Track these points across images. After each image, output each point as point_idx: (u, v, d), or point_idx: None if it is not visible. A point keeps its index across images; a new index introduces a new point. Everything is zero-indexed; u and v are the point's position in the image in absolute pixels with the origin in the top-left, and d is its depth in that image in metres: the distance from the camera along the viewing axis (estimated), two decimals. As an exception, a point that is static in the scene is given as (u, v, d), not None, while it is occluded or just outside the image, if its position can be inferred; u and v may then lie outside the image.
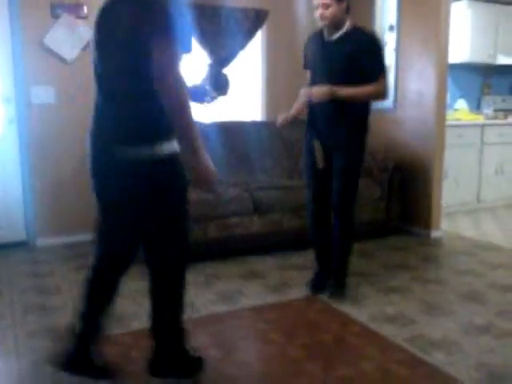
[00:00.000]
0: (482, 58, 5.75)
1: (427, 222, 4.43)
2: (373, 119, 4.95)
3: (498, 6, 5.76)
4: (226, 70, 4.58)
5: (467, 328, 2.72)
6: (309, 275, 3.53)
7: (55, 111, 4.15)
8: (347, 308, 2.99)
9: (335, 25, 2.92)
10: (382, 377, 2.26)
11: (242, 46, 4.69)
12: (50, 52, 4.07)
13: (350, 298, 3.14)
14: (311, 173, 3.17)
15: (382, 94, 3.02)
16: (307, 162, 3.18)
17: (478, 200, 5.55)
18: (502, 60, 5.91)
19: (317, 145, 3.09)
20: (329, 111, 3.00)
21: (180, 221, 2.05)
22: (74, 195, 4.26)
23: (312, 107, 3.08)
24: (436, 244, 4.26)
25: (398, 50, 4.63)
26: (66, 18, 4.06)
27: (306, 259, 3.89)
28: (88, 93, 4.09)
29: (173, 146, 1.92)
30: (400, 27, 4.60)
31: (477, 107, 6.15)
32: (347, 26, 2.94)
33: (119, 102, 1.88)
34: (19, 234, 4.23)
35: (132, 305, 2.98)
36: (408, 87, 4.54)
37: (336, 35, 2.95)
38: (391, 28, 4.78)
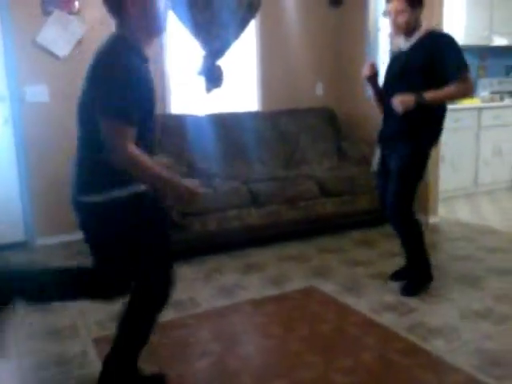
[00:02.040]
0: (477, 39, 5.70)
1: (424, 209, 4.42)
2: (366, 106, 5.00)
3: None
4: (220, 62, 4.55)
5: (466, 314, 2.74)
6: (307, 266, 3.56)
7: (50, 109, 4.13)
8: (346, 298, 3.01)
9: (407, 32, 2.86)
10: (382, 366, 2.28)
11: (236, 36, 4.65)
12: (42, 49, 4.04)
13: (349, 287, 3.16)
14: (377, 175, 3.20)
15: (468, 91, 2.88)
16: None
17: (476, 184, 5.55)
18: (498, 41, 5.87)
19: (376, 147, 3.11)
20: (392, 111, 2.88)
21: (145, 256, 2.03)
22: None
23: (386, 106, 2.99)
24: (434, 230, 4.27)
25: (392, 35, 4.60)
26: (57, 15, 4.03)
27: (305, 250, 3.91)
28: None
29: (126, 191, 1.94)
30: (393, 13, 4.57)
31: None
32: (421, 31, 2.86)
33: (80, 151, 2.02)
34: (18, 234, 4.23)
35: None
36: (403, 73, 4.51)
37: (409, 43, 2.87)
38: (385, 14, 4.74)
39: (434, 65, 2.78)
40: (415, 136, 2.91)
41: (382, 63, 4.80)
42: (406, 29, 2.85)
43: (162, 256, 2.06)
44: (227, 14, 4.52)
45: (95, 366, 2.32)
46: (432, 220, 4.44)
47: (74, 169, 2.02)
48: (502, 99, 5.85)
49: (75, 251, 4.05)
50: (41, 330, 2.74)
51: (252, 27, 4.84)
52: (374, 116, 4.91)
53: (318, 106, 5.12)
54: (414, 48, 2.87)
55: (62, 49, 4.09)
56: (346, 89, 5.28)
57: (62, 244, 4.21)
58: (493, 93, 6.03)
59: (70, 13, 4.08)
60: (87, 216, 2.02)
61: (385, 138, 3.07)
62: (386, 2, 2.93)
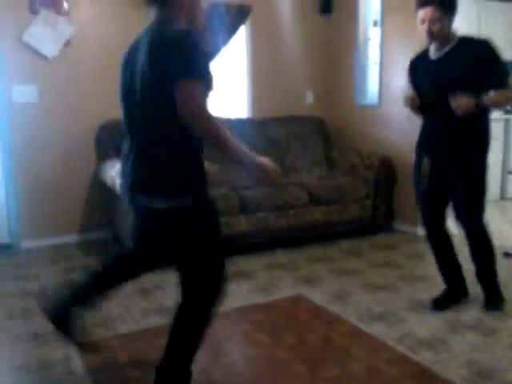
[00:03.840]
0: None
1: (414, 219, 4.41)
2: (357, 116, 5.00)
3: (480, 2, 5.76)
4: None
5: (455, 326, 2.72)
6: (296, 275, 3.52)
7: (39, 110, 4.07)
8: (335, 307, 2.97)
9: (443, 40, 2.69)
10: (370, 377, 2.25)
11: (225, 41, 4.65)
12: (30, 49, 3.99)
13: (338, 297, 3.13)
14: (419, 193, 3.01)
15: None
16: (416, 181, 3.00)
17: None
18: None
19: (425, 164, 2.89)
20: (447, 124, 2.75)
21: (199, 260, 1.98)
22: (58, 196, 4.20)
23: (427, 121, 2.89)
24: (423, 241, 4.20)
25: (382, 45, 4.61)
26: (45, 14, 3.98)
27: (294, 258, 3.88)
28: (71, 90, 4.08)
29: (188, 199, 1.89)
30: (384, 22, 4.59)
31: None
32: (455, 37, 2.70)
33: (143, 148, 1.88)
34: (2, 237, 4.13)
35: (119, 308, 2.93)
36: (392, 82, 4.53)
37: (444, 50, 2.72)
38: (375, 23, 4.77)
39: (475, 72, 2.63)
40: (469, 148, 2.77)
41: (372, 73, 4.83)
42: (442, 37, 2.68)
43: (215, 257, 2.01)
44: (217, 19, 4.51)
45: (78, 370, 2.28)
46: (421, 231, 4.39)
47: (137, 168, 1.91)
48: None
49: (61, 255, 3.98)
50: (23, 334, 2.67)
51: (242, 34, 4.83)
52: (362, 127, 4.94)
53: (308, 115, 5.11)
54: (448, 56, 2.72)
55: (50, 49, 4.03)
56: (336, 98, 5.28)
57: (48, 247, 4.14)
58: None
59: (59, 13, 4.03)
60: (152, 221, 1.99)
61: (432, 154, 2.88)
62: (416, 7, 2.70)
